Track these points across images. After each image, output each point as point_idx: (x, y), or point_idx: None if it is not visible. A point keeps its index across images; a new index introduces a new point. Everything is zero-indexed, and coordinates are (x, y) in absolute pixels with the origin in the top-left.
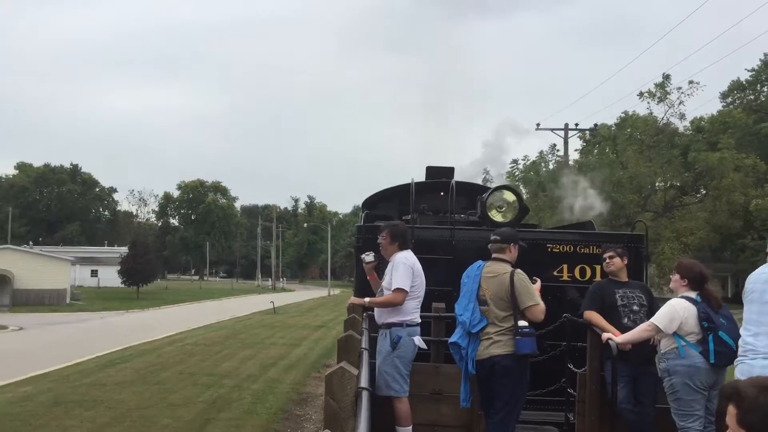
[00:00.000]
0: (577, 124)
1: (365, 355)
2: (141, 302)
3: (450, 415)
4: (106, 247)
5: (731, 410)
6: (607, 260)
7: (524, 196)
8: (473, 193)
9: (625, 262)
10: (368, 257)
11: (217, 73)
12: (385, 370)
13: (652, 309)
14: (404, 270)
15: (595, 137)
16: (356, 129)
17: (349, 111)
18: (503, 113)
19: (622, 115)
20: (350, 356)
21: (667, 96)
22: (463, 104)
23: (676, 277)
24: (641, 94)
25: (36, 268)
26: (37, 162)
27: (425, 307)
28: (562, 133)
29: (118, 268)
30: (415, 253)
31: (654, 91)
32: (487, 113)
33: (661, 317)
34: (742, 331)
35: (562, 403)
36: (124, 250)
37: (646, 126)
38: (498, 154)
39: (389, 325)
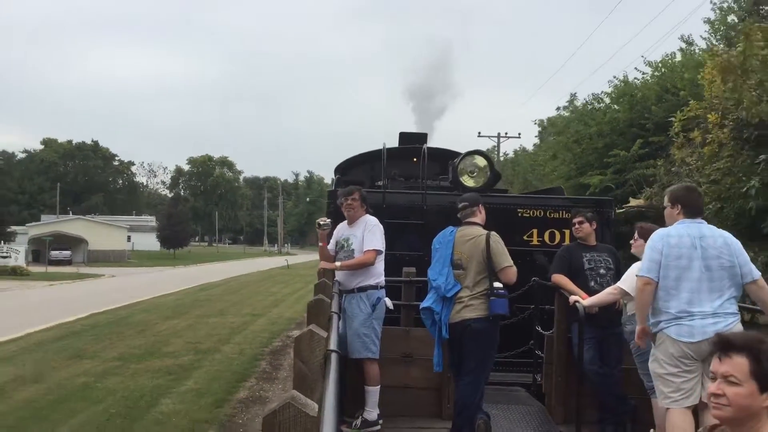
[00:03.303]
0: (519, 134)
1: (335, 319)
2: (180, 261)
3: (420, 377)
4: (134, 216)
5: (741, 361)
6: (577, 225)
7: None
8: (445, 159)
9: (594, 226)
10: (324, 221)
11: (215, 44)
12: (364, 332)
13: (618, 272)
14: (380, 232)
15: (554, 126)
16: (351, 100)
17: (349, 82)
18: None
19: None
20: (320, 320)
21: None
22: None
23: (639, 241)
24: (558, 108)
25: (101, 233)
26: (48, 134)
27: (396, 271)
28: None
29: (154, 234)
30: (387, 218)
31: (567, 104)
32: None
33: (627, 280)
34: (665, 297)
35: (530, 365)
36: (150, 218)
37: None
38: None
39: (364, 288)
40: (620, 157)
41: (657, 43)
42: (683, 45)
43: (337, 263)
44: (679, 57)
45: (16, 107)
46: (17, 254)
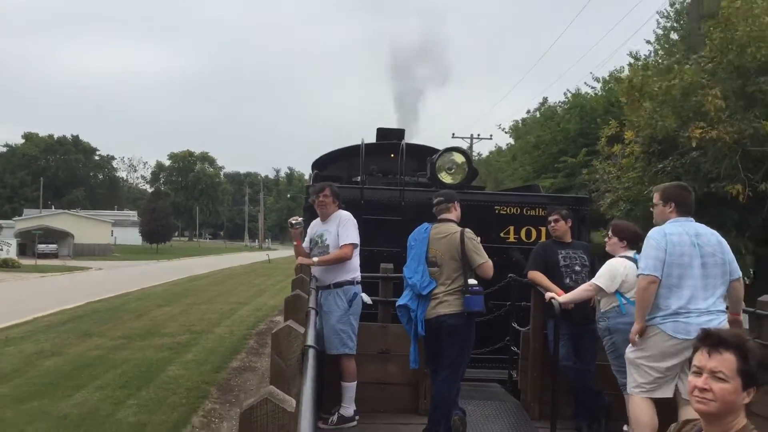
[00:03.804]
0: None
1: (312, 314)
2: (163, 255)
3: (397, 373)
4: (116, 211)
5: (729, 358)
6: (552, 223)
7: None
8: (423, 155)
9: (569, 224)
10: (296, 220)
11: (197, 39)
12: (341, 328)
13: (593, 269)
14: (354, 226)
15: (525, 125)
16: (332, 96)
17: (331, 78)
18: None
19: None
20: (297, 316)
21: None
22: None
23: (613, 239)
24: (528, 111)
25: (86, 227)
26: (29, 128)
27: (374, 267)
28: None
29: (136, 228)
30: (364, 214)
31: (539, 107)
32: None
33: (602, 277)
34: (666, 294)
35: (506, 361)
36: (132, 213)
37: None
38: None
39: (340, 284)
40: (569, 163)
41: (607, 59)
42: (631, 60)
43: (315, 258)
44: (626, 72)
45: None
46: (9, 247)
